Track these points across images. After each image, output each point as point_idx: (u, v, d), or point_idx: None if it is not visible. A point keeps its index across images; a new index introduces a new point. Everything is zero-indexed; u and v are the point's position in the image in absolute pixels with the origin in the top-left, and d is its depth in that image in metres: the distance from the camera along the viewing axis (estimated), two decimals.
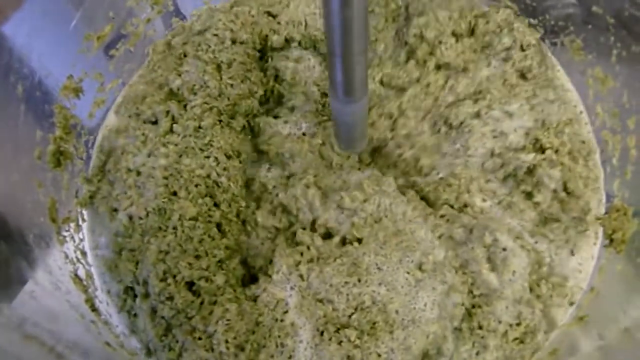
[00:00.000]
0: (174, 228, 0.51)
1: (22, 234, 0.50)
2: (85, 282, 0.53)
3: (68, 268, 0.53)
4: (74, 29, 0.59)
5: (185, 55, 0.61)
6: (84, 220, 0.57)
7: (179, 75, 0.59)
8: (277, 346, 0.46)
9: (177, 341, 0.48)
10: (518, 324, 0.47)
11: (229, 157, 0.56)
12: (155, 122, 0.58)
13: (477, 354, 0.46)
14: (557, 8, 0.60)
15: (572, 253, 0.51)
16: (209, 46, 0.59)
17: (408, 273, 0.48)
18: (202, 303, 0.49)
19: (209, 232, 0.51)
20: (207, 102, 0.57)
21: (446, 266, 0.49)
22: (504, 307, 0.47)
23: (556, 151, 0.52)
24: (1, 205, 0.50)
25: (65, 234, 0.55)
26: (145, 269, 0.50)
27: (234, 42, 0.59)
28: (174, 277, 0.49)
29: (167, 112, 0.57)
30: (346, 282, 0.48)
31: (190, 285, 0.50)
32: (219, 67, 0.59)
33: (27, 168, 0.53)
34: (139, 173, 0.54)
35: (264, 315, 0.48)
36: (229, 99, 0.58)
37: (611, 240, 0.50)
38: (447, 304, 0.47)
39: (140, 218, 0.52)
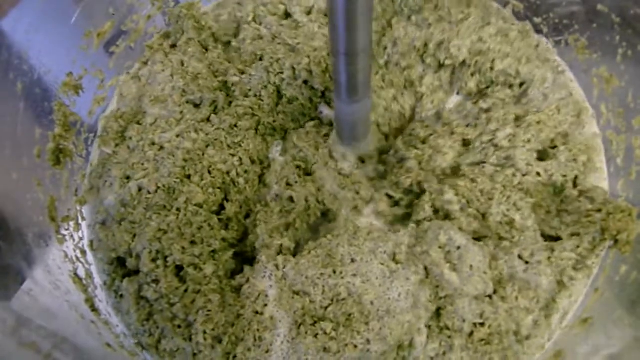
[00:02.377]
0: (178, 210, 0.51)
1: (21, 233, 0.49)
2: (85, 282, 0.53)
3: (67, 267, 0.52)
4: (74, 26, 0.58)
5: (261, 59, 0.60)
6: (83, 218, 0.57)
7: (242, 73, 0.59)
8: (255, 340, 0.47)
9: (157, 327, 0.49)
10: (482, 324, 0.47)
11: (252, 162, 0.56)
12: (197, 106, 0.58)
13: (444, 353, 0.47)
14: (562, 6, 0.60)
15: (520, 257, 0.51)
16: (282, 74, 0.58)
17: (382, 264, 0.49)
18: (186, 291, 0.49)
19: (210, 221, 0.52)
20: (253, 109, 0.58)
21: (419, 257, 0.50)
22: (466, 304, 0.47)
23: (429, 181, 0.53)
24: (0, 204, 0.50)
25: (65, 232, 0.54)
26: (141, 244, 0.50)
27: (305, 83, 0.58)
28: (165, 258, 0.50)
29: (214, 101, 0.58)
30: (322, 274, 0.48)
31: (178, 270, 0.50)
32: (280, 96, 0.59)
33: (26, 166, 0.52)
34: (161, 148, 0.55)
35: (245, 308, 0.48)
36: (274, 121, 0.59)
37: (616, 242, 0.49)
38: (421, 295, 0.48)
39: (149, 192, 0.53)
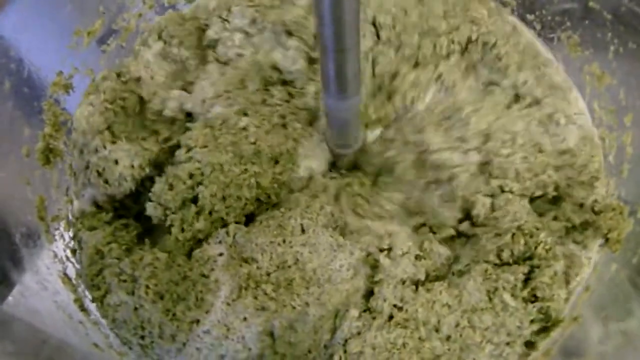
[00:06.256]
0: (245, 171, 0.52)
1: (8, 233, 0.49)
2: (74, 281, 0.53)
3: (57, 267, 0.52)
4: (63, 24, 0.58)
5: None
6: (75, 217, 0.56)
7: None
8: (196, 300, 0.48)
9: (105, 282, 0.50)
10: (400, 309, 0.47)
11: None
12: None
13: (364, 332, 0.47)
14: (554, 3, 0.60)
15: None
16: None
17: (331, 237, 0.50)
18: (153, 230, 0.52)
19: (250, 203, 0.52)
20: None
21: (367, 237, 0.52)
22: (391, 286, 0.48)
23: None
24: None
25: (55, 232, 0.54)
26: (200, 155, 0.51)
27: None
28: (198, 184, 0.51)
29: None
30: (271, 242, 0.50)
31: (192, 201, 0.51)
32: None
33: (14, 165, 0.52)
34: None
35: (193, 270, 0.49)
36: None
37: (606, 240, 0.49)
38: (361, 270, 0.50)
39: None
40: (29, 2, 0.54)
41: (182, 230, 0.51)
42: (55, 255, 0.53)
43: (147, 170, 0.54)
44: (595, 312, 0.48)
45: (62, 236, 0.55)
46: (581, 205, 0.53)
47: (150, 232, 0.55)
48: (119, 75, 0.60)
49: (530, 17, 0.62)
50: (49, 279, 0.50)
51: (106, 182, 0.54)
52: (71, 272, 0.53)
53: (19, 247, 0.49)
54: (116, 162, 0.54)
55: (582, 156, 0.54)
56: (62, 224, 0.55)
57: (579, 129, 0.56)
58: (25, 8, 0.54)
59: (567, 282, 0.50)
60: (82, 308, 0.51)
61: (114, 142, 0.55)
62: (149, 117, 0.60)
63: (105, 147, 0.55)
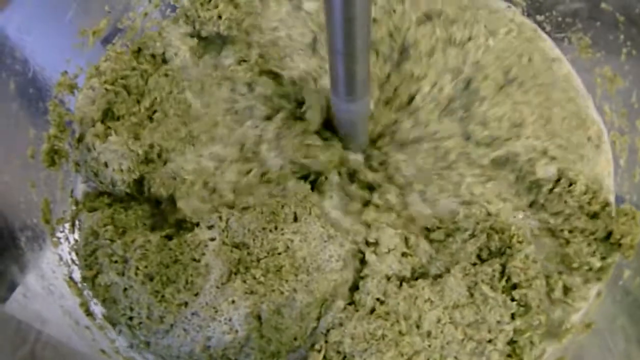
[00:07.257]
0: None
1: (13, 237, 0.49)
2: (80, 285, 0.52)
3: (62, 271, 0.52)
4: (68, 24, 0.57)
5: None
6: (79, 220, 0.56)
7: None
8: (186, 283, 0.49)
9: (97, 263, 0.51)
10: (382, 302, 0.48)
11: None
12: None
13: (344, 323, 0.47)
14: (564, 3, 0.59)
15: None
16: None
17: (323, 227, 0.51)
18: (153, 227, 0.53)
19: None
20: None
21: (358, 233, 0.53)
22: (376, 281, 0.49)
23: None
24: None
25: (60, 235, 0.54)
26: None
27: None
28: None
29: None
30: (263, 228, 0.51)
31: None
32: None
33: (19, 167, 0.52)
34: None
35: (184, 254, 0.50)
36: None
37: (619, 245, 0.48)
38: (350, 263, 0.50)
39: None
40: (34, 2, 0.54)
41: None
42: (61, 259, 0.52)
43: (137, 172, 0.54)
44: (609, 319, 0.47)
45: (67, 239, 0.54)
46: (600, 239, 0.51)
47: (155, 216, 0.55)
48: (138, 50, 0.61)
49: (539, 17, 0.62)
50: (55, 283, 0.50)
51: (101, 183, 0.55)
52: (77, 275, 0.53)
53: (24, 251, 0.49)
54: (106, 164, 0.54)
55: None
56: (67, 226, 0.55)
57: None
58: (30, 8, 0.53)
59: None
60: (88, 312, 0.51)
61: (107, 134, 0.55)
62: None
63: (94, 148, 0.54)
